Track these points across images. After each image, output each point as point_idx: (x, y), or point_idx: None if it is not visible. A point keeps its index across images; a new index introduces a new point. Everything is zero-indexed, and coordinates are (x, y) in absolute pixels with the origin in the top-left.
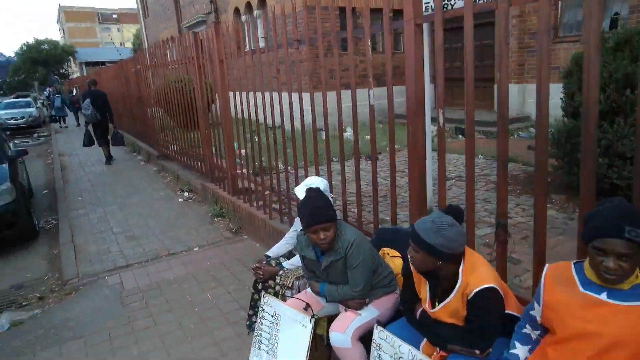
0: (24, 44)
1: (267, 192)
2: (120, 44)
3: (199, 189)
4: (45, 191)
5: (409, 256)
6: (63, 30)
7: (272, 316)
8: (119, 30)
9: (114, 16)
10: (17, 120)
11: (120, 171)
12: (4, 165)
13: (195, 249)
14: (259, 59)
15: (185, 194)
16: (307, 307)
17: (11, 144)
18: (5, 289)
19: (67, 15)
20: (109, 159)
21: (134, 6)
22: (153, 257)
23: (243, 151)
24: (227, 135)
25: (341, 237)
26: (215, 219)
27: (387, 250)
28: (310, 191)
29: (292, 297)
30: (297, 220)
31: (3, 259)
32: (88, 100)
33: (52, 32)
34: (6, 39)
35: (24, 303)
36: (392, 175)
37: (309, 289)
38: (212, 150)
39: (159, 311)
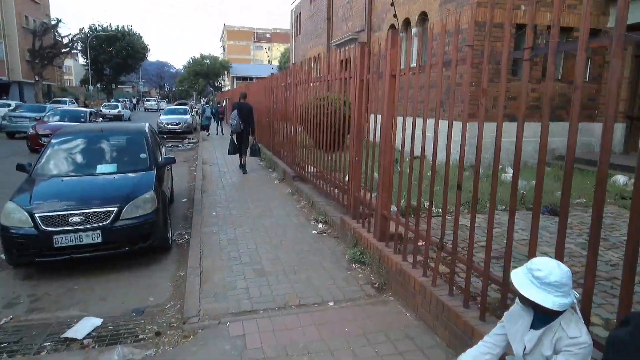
0: (191, 58)
1: (421, 243)
2: (269, 61)
3: (336, 222)
4: (185, 200)
5: None
6: (223, 47)
7: None
8: (269, 49)
9: (268, 35)
10: (174, 126)
11: (254, 187)
12: (152, 172)
13: (330, 304)
14: (454, 74)
15: (320, 225)
16: None
17: (163, 149)
18: (127, 312)
19: (229, 34)
20: (243, 167)
21: (287, 27)
22: (281, 306)
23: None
24: (385, 167)
25: None
26: (354, 265)
27: None
28: None
29: None
30: (511, 316)
31: (132, 273)
32: (235, 111)
33: (215, 49)
34: (178, 54)
35: (140, 336)
36: None
37: None
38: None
39: None
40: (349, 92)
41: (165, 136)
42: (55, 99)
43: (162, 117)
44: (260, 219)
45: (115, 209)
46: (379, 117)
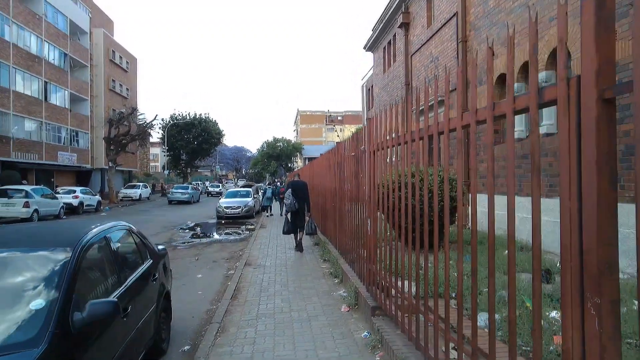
0: (265, 141)
1: None
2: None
3: None
4: (186, 348)
5: None
6: (297, 130)
7: None
8: (341, 130)
9: (339, 118)
10: (234, 210)
11: (307, 321)
12: (34, 351)
13: None
14: None
15: None
16: None
17: (134, 277)
18: None
19: (302, 118)
20: (299, 246)
21: (358, 108)
22: None
23: None
24: None
25: None
26: None
27: None
28: None
29: None
30: None
31: None
32: (290, 190)
33: (288, 132)
34: (255, 138)
35: None
36: None
37: None
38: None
39: None
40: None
41: (223, 221)
42: (129, 184)
43: (222, 200)
44: None
45: None
46: None
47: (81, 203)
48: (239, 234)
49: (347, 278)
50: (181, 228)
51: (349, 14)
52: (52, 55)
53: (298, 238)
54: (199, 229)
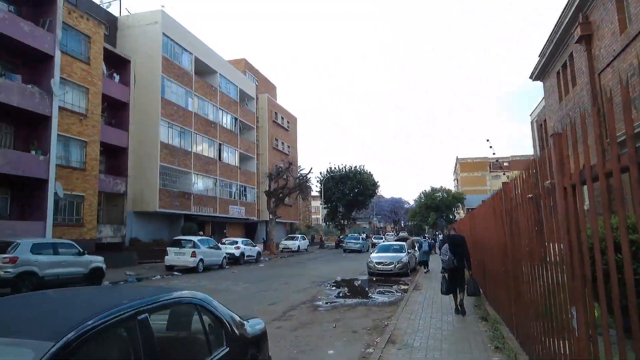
0: (422, 192)
1: None
2: None
3: None
4: None
5: None
6: (456, 179)
7: None
8: (507, 177)
9: (505, 164)
10: (386, 266)
11: None
12: None
13: None
14: None
15: None
16: None
17: None
18: None
19: (462, 166)
20: (460, 309)
21: (526, 152)
22: None
23: None
24: None
25: None
26: None
27: None
28: None
29: None
30: None
31: None
32: (446, 245)
33: (447, 182)
34: (413, 189)
35: None
36: None
37: None
38: None
39: None
40: None
41: (374, 278)
42: (289, 235)
43: (373, 255)
44: None
45: None
46: None
47: (242, 254)
48: (391, 294)
49: None
50: (329, 284)
51: (507, 47)
52: (224, 120)
53: (458, 299)
54: (347, 286)
